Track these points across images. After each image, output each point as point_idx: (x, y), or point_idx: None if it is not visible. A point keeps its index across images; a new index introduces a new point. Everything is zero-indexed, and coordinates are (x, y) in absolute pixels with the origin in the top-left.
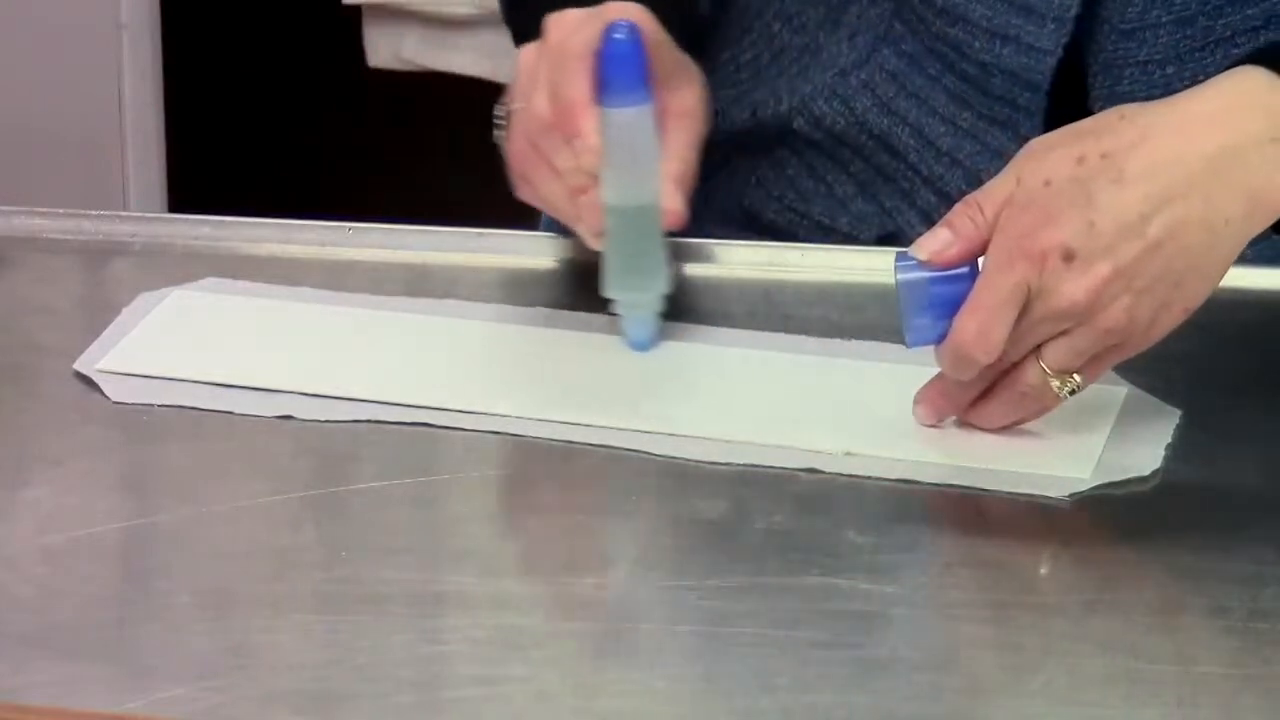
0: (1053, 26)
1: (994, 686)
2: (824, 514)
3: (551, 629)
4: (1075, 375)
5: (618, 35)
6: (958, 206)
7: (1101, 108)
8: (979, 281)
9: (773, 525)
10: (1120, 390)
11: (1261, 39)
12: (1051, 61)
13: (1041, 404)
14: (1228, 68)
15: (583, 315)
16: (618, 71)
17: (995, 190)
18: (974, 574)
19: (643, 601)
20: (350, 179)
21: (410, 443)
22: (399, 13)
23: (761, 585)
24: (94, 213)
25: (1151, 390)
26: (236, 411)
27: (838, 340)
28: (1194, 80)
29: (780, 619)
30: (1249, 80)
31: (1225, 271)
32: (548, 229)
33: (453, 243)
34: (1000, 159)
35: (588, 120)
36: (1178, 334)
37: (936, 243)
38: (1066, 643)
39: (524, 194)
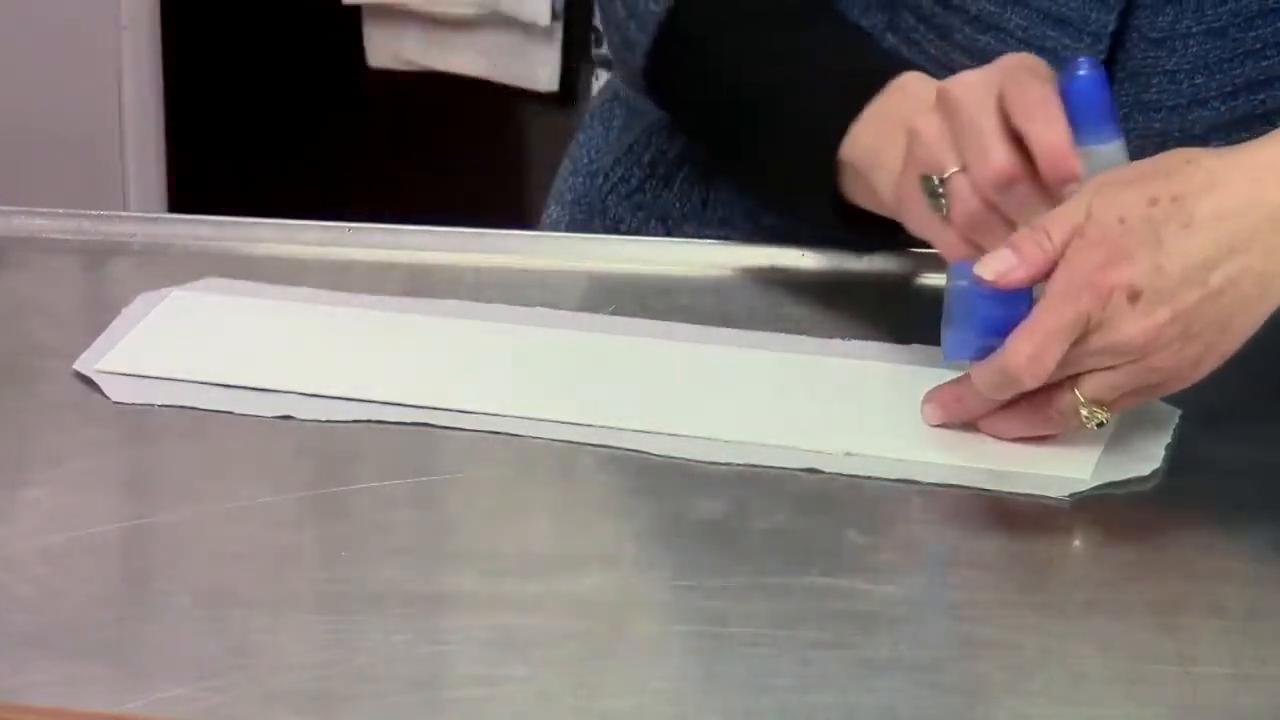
0: (1089, 41)
1: (994, 686)
2: (824, 514)
3: (551, 629)
4: (1105, 408)
5: (1088, 71)
6: (1024, 231)
7: (1126, 115)
8: (1041, 306)
9: (773, 525)
10: None
11: None
12: None
13: (1064, 428)
14: (1257, 80)
15: (583, 315)
16: (1096, 107)
17: (1063, 218)
18: (974, 574)
19: (643, 601)
20: (350, 179)
21: (410, 443)
22: (399, 13)
23: (761, 585)
24: (94, 213)
25: None
26: (236, 411)
27: (838, 340)
28: (1221, 91)
29: (780, 619)
30: None
31: (1265, 319)
32: (551, 227)
33: (453, 243)
34: None
35: (1077, 162)
36: None
37: (1002, 264)
38: (1066, 643)
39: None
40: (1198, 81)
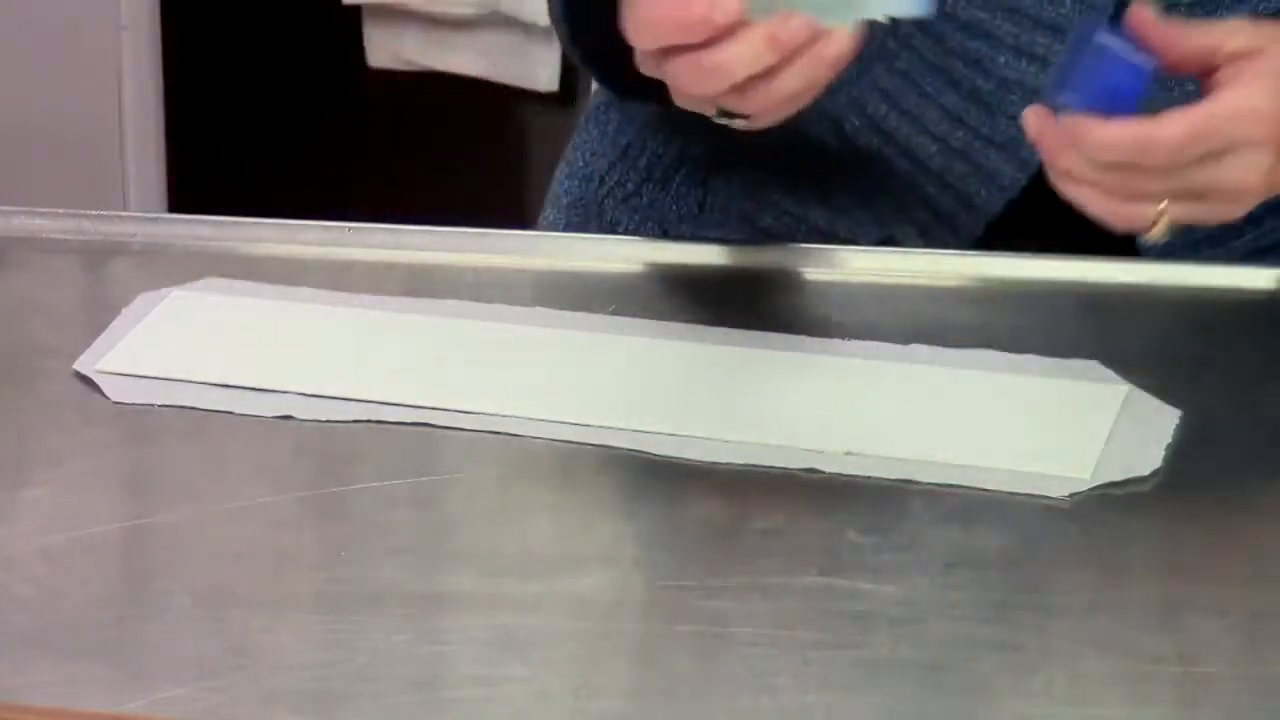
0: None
1: (994, 686)
2: (824, 514)
3: (551, 629)
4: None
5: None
6: (1199, 31)
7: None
8: (1215, 105)
9: (773, 525)
10: (1121, 390)
11: None
12: None
13: (1128, 222)
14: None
15: (583, 315)
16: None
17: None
18: (974, 574)
19: (643, 601)
20: (350, 179)
21: (410, 443)
22: (399, 13)
23: (761, 585)
24: (94, 213)
25: (1151, 390)
26: (237, 411)
27: (837, 340)
28: None
29: (780, 619)
30: None
31: None
32: (547, 229)
33: (453, 243)
34: (992, 182)
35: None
36: (1178, 334)
37: (1168, 36)
38: (1066, 643)
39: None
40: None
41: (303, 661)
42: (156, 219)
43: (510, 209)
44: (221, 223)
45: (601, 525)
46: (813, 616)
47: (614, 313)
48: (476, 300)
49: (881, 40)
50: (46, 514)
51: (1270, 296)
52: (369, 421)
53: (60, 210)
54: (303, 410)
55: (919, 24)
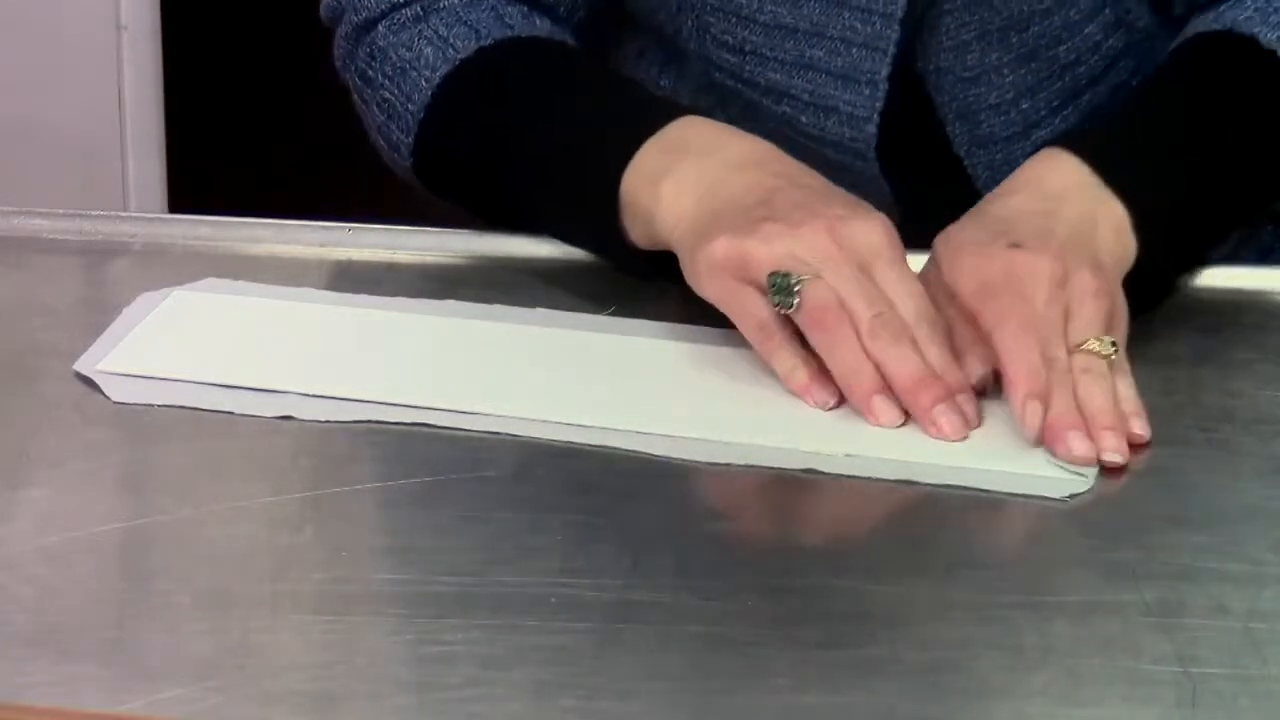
0: (867, 92)
1: (994, 686)
2: (824, 514)
3: (551, 629)
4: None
5: None
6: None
7: (968, 152)
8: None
9: (773, 525)
10: None
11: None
12: (870, 129)
13: (1095, 385)
14: (1081, 86)
15: (583, 315)
16: None
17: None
18: (974, 574)
19: (643, 602)
20: (350, 179)
21: (410, 443)
22: None
23: (761, 585)
24: (94, 213)
25: (1151, 390)
26: (236, 411)
27: None
28: (1050, 108)
29: (780, 619)
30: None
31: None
32: None
33: (453, 243)
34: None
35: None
36: (1178, 334)
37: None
38: (1066, 643)
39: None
40: (1024, 107)
41: (302, 661)
42: (156, 219)
43: None
44: (221, 223)
45: (601, 525)
46: (813, 616)
47: (614, 313)
48: (476, 300)
49: (716, 113)
50: (46, 514)
51: (1270, 296)
52: (369, 421)
53: (60, 210)
54: (303, 410)
55: (738, 96)
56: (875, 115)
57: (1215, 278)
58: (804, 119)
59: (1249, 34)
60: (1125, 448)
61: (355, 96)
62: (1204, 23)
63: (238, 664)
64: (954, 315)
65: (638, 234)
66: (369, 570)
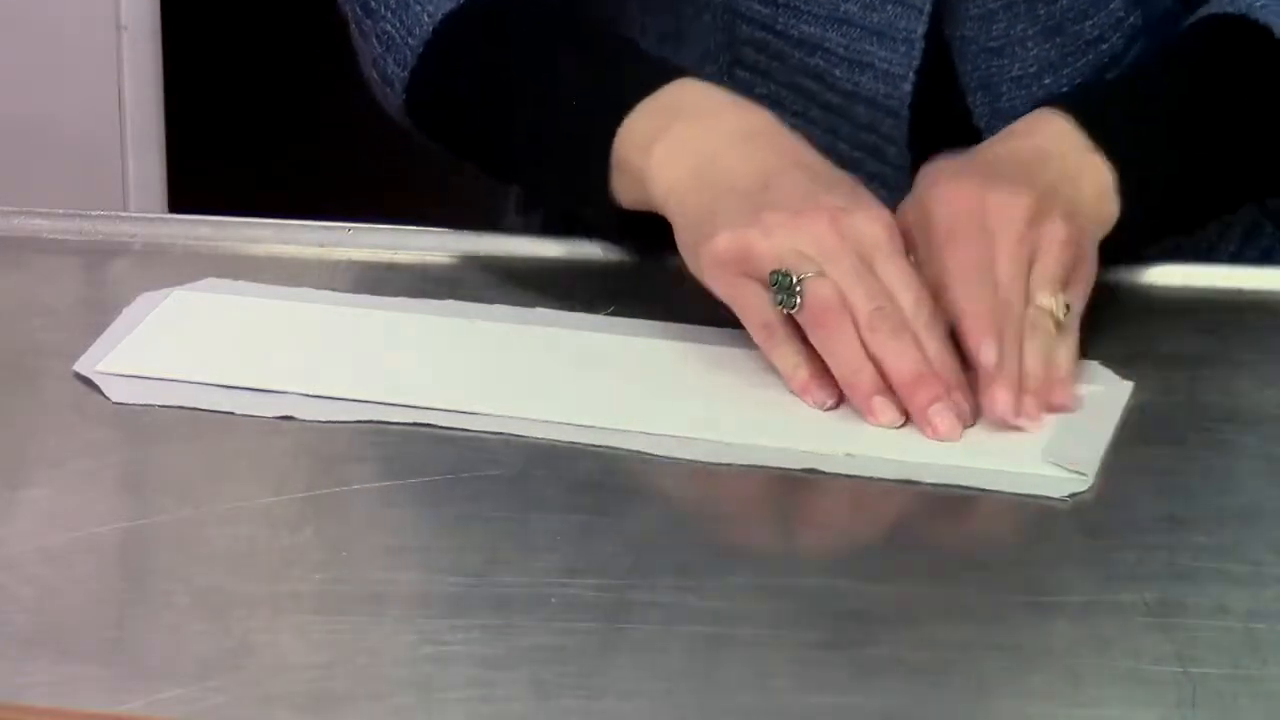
0: (903, 49)
1: (994, 686)
2: (824, 514)
3: (551, 629)
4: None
5: None
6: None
7: (988, 124)
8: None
9: (773, 525)
10: (1123, 390)
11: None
12: (906, 87)
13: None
14: (1103, 65)
15: (583, 315)
16: None
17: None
18: (974, 574)
19: (643, 602)
20: (350, 179)
21: (410, 443)
22: None
23: (761, 585)
24: (94, 213)
25: (1151, 390)
26: (236, 412)
27: None
28: (1071, 85)
29: (780, 619)
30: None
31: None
32: (546, 230)
33: (453, 243)
34: (875, 182)
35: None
36: (1178, 334)
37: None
38: (1066, 643)
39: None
40: (1046, 82)
41: (303, 661)
42: (156, 219)
43: (510, 209)
44: (221, 223)
45: (601, 525)
46: (813, 616)
47: (614, 313)
48: (476, 300)
49: (728, 74)
50: (46, 514)
51: (1270, 296)
52: (369, 421)
53: (60, 210)
54: (303, 410)
55: (763, 49)
56: (911, 74)
57: (1215, 278)
58: (838, 73)
59: (1263, 22)
60: (1037, 413)
61: (353, 28)
62: (1220, 4)
63: (238, 664)
64: (923, 253)
65: (626, 194)
66: (369, 570)
